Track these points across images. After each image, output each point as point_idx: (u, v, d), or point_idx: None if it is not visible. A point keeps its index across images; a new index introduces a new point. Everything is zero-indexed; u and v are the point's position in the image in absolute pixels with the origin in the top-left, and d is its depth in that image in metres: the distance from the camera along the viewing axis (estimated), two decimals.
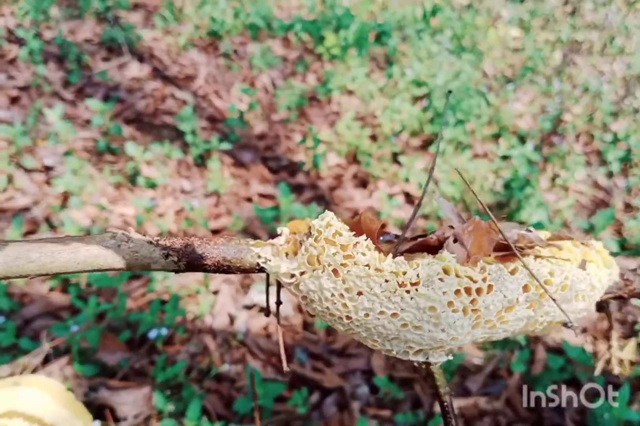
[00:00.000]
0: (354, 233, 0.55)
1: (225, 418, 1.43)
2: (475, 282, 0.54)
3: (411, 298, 0.53)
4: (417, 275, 0.53)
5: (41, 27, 3.45)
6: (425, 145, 3.00)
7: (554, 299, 0.56)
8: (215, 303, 1.83)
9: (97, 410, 1.31)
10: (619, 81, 3.58)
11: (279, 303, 0.62)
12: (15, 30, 3.28)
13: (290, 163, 2.79)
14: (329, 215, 0.55)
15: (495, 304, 0.55)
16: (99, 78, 3.04)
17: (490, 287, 0.55)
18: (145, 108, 2.94)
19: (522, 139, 3.00)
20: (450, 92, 0.61)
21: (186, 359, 1.53)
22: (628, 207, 2.68)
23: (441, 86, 3.18)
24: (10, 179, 2.15)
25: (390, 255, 0.53)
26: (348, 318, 0.56)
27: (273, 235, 1.87)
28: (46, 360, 1.36)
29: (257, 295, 1.87)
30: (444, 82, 3.20)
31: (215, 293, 1.88)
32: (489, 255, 0.56)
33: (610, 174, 2.85)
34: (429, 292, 0.53)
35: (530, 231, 0.61)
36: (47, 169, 2.34)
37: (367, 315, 0.54)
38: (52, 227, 2.01)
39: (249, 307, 1.86)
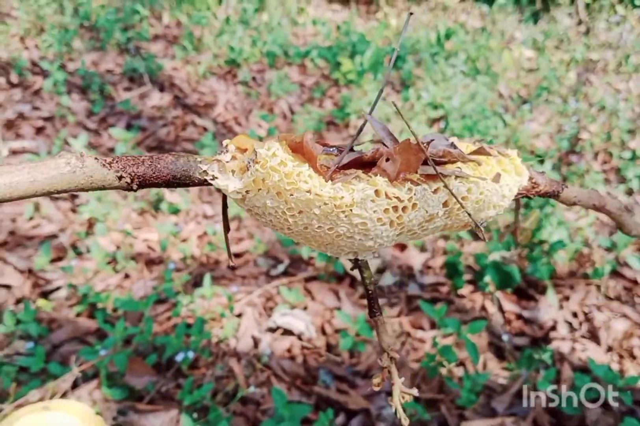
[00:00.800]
0: (296, 155, 0.61)
1: None
2: (401, 201, 0.61)
3: (345, 217, 0.60)
4: (352, 199, 0.59)
5: (65, 59, 3.56)
6: None
7: (469, 214, 0.64)
8: (239, 326, 1.85)
9: None
10: (636, 99, 3.58)
11: (225, 207, 0.66)
12: (40, 62, 3.39)
13: None
14: (274, 146, 0.59)
15: (417, 219, 0.63)
16: (121, 107, 3.12)
17: (414, 205, 0.62)
18: (167, 136, 3.01)
19: (540, 159, 3.01)
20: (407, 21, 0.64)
21: (212, 382, 1.55)
22: None
23: (457, 107, 3.21)
24: (36, 207, 2.20)
25: (330, 182, 0.58)
26: (289, 229, 0.63)
27: (293, 258, 1.88)
28: (75, 385, 1.38)
29: (280, 318, 1.88)
30: (460, 104, 3.23)
31: (239, 316, 1.90)
32: (417, 172, 0.62)
33: (630, 191, 2.84)
34: (362, 212, 0.60)
35: (455, 147, 0.67)
36: (73, 197, 2.39)
37: (306, 228, 0.62)
38: (79, 253, 2.05)
39: (272, 330, 1.87)
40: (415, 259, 2.39)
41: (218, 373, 1.62)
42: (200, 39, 4.01)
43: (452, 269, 2.19)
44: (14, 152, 2.60)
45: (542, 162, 2.92)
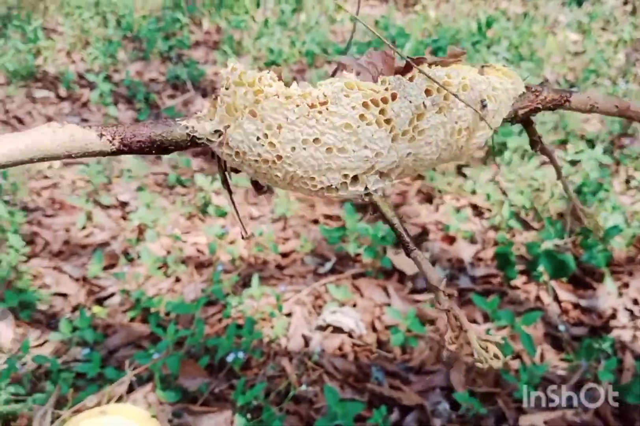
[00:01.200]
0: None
1: None
2: (377, 92, 0.59)
3: (325, 119, 0.58)
4: (324, 94, 0.58)
5: (110, 71, 3.65)
6: (490, 156, 2.96)
7: (455, 95, 0.60)
8: (289, 325, 1.85)
9: None
10: None
11: (223, 169, 0.67)
12: (86, 74, 3.50)
13: None
14: (232, 61, 0.59)
15: (404, 111, 0.60)
16: (166, 114, 3.18)
17: (393, 95, 0.59)
18: None
19: (591, 143, 2.91)
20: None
21: (264, 381, 1.56)
22: None
23: None
24: (89, 217, 2.27)
25: (295, 82, 0.58)
26: (279, 158, 0.60)
27: (340, 255, 1.87)
28: (130, 388, 1.41)
29: (329, 315, 1.88)
30: None
31: (289, 315, 1.90)
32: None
33: None
34: (339, 108, 0.57)
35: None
36: (123, 204, 2.46)
37: (293, 149, 0.59)
38: (130, 260, 2.10)
39: (322, 328, 1.87)
40: (464, 251, 2.35)
41: (270, 373, 1.63)
42: (240, 42, 4.05)
43: (503, 260, 2.14)
44: (65, 165, 2.68)
45: (592, 146, 2.82)
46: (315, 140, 0.59)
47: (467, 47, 3.93)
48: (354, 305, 1.99)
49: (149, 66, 3.81)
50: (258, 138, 0.59)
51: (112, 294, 1.94)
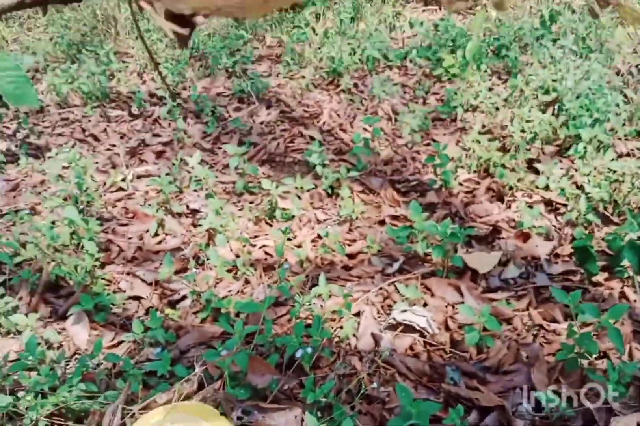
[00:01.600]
0: None
1: None
2: None
3: None
4: None
5: (179, 88, 3.77)
6: (562, 150, 2.84)
7: None
8: (359, 325, 1.82)
9: None
10: None
11: None
12: (156, 92, 3.62)
13: (419, 183, 2.76)
14: None
15: None
16: (232, 126, 3.24)
17: None
18: (276, 148, 3.08)
19: None
20: None
21: (334, 380, 1.53)
22: None
23: (571, 88, 3.01)
24: (160, 224, 2.33)
25: None
26: None
27: (408, 255, 1.80)
28: (200, 387, 1.41)
29: (399, 314, 1.83)
30: (574, 83, 3.03)
31: (357, 314, 1.87)
32: None
33: None
34: None
35: None
36: (193, 212, 2.51)
37: None
38: (201, 264, 2.13)
39: (392, 327, 1.82)
40: (540, 248, 2.25)
41: (340, 371, 1.60)
42: (302, 54, 4.09)
43: (583, 254, 2.03)
44: (138, 177, 2.78)
45: None
46: None
47: (532, 44, 3.82)
48: (425, 305, 1.93)
49: (215, 82, 3.92)
50: None
51: (183, 297, 1.97)
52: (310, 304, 1.87)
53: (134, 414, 1.32)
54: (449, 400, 1.58)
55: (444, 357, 1.74)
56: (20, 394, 1.40)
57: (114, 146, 3.10)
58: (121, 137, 3.20)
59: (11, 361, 1.60)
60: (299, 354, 1.49)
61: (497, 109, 3.22)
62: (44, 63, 4.12)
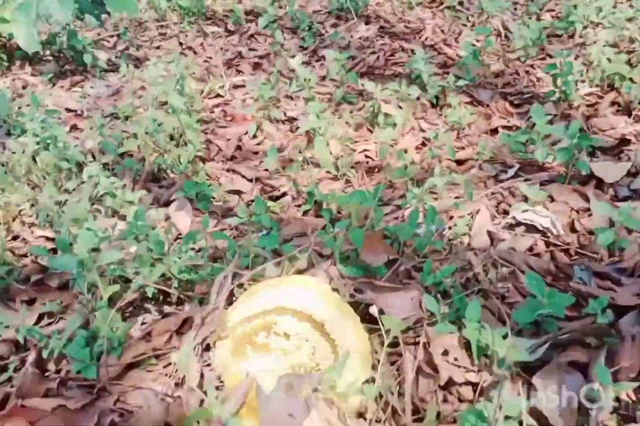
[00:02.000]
0: None
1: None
2: None
3: None
4: None
5: (275, 6, 3.64)
6: None
7: None
8: (473, 223, 1.68)
9: (363, 312, 1.24)
10: None
11: None
12: (254, 9, 3.51)
13: (533, 95, 2.53)
14: None
15: None
16: (330, 39, 3.09)
17: None
18: (376, 61, 2.92)
19: None
20: None
21: (452, 265, 1.40)
22: None
23: None
24: (259, 127, 2.24)
25: None
26: None
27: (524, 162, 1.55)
28: (311, 265, 1.33)
29: (520, 214, 1.67)
30: None
31: (470, 215, 1.73)
32: None
33: None
34: None
35: None
36: (291, 119, 2.41)
37: None
38: (301, 164, 2.04)
39: (512, 226, 1.67)
40: None
41: (455, 263, 1.48)
42: None
43: None
44: (235, 87, 2.70)
45: None
46: None
47: None
48: (546, 206, 1.76)
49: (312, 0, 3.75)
50: None
51: (284, 194, 1.89)
52: (424, 195, 1.73)
53: (242, 284, 1.26)
54: (578, 299, 1.43)
55: (570, 257, 1.58)
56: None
57: (210, 58, 3.03)
58: (218, 52, 3.12)
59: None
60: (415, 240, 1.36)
61: (623, 26, 2.90)
62: None
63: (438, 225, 1.50)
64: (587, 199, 1.82)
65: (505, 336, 1.17)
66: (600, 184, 1.93)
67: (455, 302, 1.28)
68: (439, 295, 1.29)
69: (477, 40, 2.99)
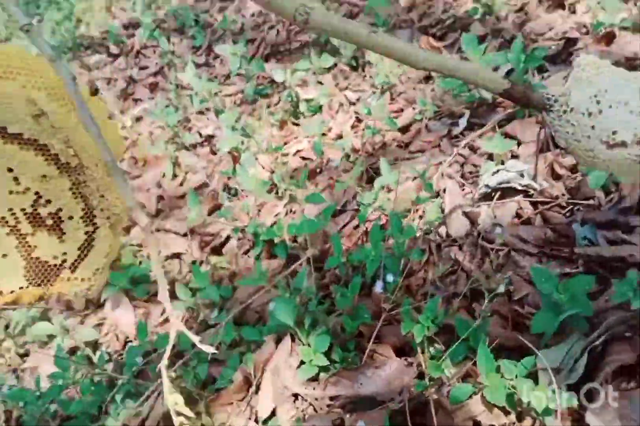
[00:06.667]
0: None
1: None
2: None
3: None
4: None
5: (153, 9, 3.29)
6: None
7: None
8: (444, 206, 1.43)
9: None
10: None
11: None
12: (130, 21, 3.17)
13: (456, 19, 2.23)
14: None
15: None
16: (221, 29, 2.76)
17: None
18: (277, 37, 2.60)
19: None
20: None
21: (436, 297, 1.16)
22: None
23: None
24: (175, 162, 1.97)
25: None
26: None
27: (473, 106, 1.26)
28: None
29: (491, 178, 1.41)
30: None
31: (437, 196, 1.47)
32: None
33: None
34: None
35: None
36: (208, 138, 2.13)
37: None
38: (234, 194, 1.78)
39: (488, 196, 1.41)
40: (633, 45, 1.73)
41: (445, 256, 1.24)
42: None
43: None
44: (137, 119, 2.40)
45: None
46: None
47: None
48: (515, 157, 1.50)
49: None
50: None
51: (227, 239, 1.63)
52: (377, 200, 1.49)
53: None
54: (592, 268, 1.19)
55: (564, 214, 1.33)
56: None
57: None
58: (107, 83, 2.80)
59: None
60: (379, 286, 1.11)
61: None
62: None
63: (408, 235, 1.25)
64: None
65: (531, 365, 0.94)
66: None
67: (454, 338, 1.04)
68: (432, 337, 1.05)
69: None
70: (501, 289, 1.12)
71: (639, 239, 1.20)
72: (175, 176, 1.93)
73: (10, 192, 0.64)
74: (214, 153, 2.01)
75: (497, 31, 2.09)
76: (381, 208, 1.46)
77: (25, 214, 0.66)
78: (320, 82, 2.13)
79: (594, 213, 1.28)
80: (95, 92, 0.69)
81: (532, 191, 1.38)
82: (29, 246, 0.67)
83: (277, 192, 1.70)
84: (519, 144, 1.57)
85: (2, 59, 0.61)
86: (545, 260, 1.24)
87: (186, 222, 1.68)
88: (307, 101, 1.98)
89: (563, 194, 1.36)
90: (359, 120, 1.92)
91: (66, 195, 0.67)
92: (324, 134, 1.85)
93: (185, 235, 1.68)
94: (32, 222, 0.66)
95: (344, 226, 1.49)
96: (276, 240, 1.50)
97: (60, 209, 0.67)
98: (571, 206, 1.32)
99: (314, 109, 1.98)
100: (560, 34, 1.98)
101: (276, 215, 1.62)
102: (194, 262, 1.58)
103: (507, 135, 1.60)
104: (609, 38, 1.83)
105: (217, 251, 1.61)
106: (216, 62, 2.60)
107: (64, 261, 0.69)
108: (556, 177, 1.41)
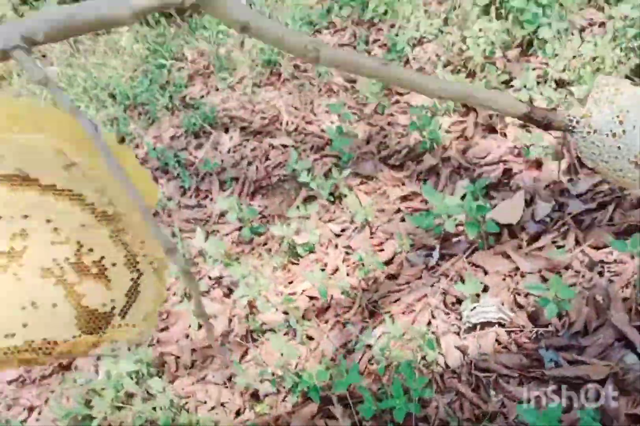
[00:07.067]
0: None
1: None
2: None
3: None
4: None
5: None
6: (522, 49, 2.68)
7: None
8: (439, 342, 1.78)
9: None
10: None
11: None
12: None
13: (409, 150, 2.64)
14: None
15: None
16: (204, 170, 3.12)
17: None
18: (257, 173, 2.97)
19: None
20: None
21: (446, 408, 1.49)
22: None
23: None
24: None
25: None
26: None
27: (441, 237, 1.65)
28: None
29: (472, 316, 1.77)
30: None
31: (429, 324, 1.82)
32: None
33: None
34: None
35: None
36: (218, 280, 2.44)
37: None
38: (255, 339, 2.09)
39: (470, 330, 1.77)
40: (556, 171, 2.16)
41: (447, 400, 1.58)
42: (228, 56, 3.90)
43: None
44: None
45: None
46: None
47: None
48: (485, 289, 1.87)
49: (161, 126, 3.76)
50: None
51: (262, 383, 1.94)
52: (380, 337, 1.84)
53: None
54: (560, 385, 1.55)
55: (531, 339, 1.69)
56: None
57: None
58: None
59: None
60: None
61: (442, 32, 3.06)
62: None
63: (421, 382, 1.58)
64: (512, 258, 1.94)
65: None
66: (512, 230, 2.05)
67: None
68: None
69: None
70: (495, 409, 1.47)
71: (589, 358, 1.56)
72: (200, 326, 2.24)
73: (52, 242, 0.67)
74: (226, 295, 2.33)
75: (446, 160, 2.51)
76: (382, 352, 1.77)
77: (69, 263, 0.68)
78: (307, 218, 2.48)
79: (553, 339, 1.65)
80: (122, 140, 0.70)
81: (504, 321, 1.75)
82: (77, 294, 0.68)
83: (294, 335, 2.02)
84: (485, 273, 1.95)
85: (29, 113, 0.65)
86: (526, 382, 1.60)
87: (223, 372, 1.98)
88: (303, 244, 2.32)
89: (527, 323, 1.72)
90: (347, 253, 2.28)
91: (107, 243, 0.70)
92: (322, 269, 2.19)
93: (226, 386, 1.97)
94: (78, 271, 0.68)
95: (360, 360, 1.82)
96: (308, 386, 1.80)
97: (103, 257, 0.70)
98: (535, 334, 1.68)
99: (309, 249, 2.33)
100: (497, 158, 2.41)
101: (300, 357, 1.94)
102: (239, 410, 1.87)
103: (473, 264, 1.99)
104: (538, 165, 2.26)
105: (256, 397, 1.90)
106: (207, 202, 2.96)
107: (113, 308, 0.72)
108: (519, 306, 1.78)
